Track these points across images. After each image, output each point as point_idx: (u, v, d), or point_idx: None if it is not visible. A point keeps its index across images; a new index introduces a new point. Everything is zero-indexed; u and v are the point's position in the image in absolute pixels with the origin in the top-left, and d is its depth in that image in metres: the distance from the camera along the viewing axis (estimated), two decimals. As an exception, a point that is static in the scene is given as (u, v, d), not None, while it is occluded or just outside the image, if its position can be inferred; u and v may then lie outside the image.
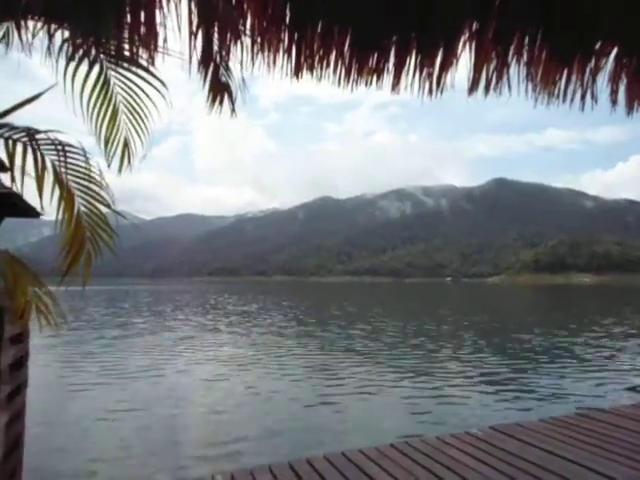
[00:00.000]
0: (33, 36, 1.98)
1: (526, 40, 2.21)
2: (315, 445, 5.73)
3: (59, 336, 14.72)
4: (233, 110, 2.37)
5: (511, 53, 2.24)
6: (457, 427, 5.93)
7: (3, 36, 1.96)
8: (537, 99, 2.36)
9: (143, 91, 2.39)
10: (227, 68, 2.29)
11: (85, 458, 5.49)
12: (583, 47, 2.26)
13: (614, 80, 2.36)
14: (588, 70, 2.30)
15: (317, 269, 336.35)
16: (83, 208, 2.19)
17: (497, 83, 2.29)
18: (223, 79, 2.31)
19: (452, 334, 17.31)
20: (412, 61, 2.29)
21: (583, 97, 2.34)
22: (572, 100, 2.34)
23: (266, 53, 2.20)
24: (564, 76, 2.30)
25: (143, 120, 2.44)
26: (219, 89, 2.31)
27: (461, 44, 2.23)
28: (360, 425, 6.83)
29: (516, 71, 2.28)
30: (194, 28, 2.18)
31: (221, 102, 2.35)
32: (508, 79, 2.28)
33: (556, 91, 2.35)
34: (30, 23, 1.91)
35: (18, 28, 1.89)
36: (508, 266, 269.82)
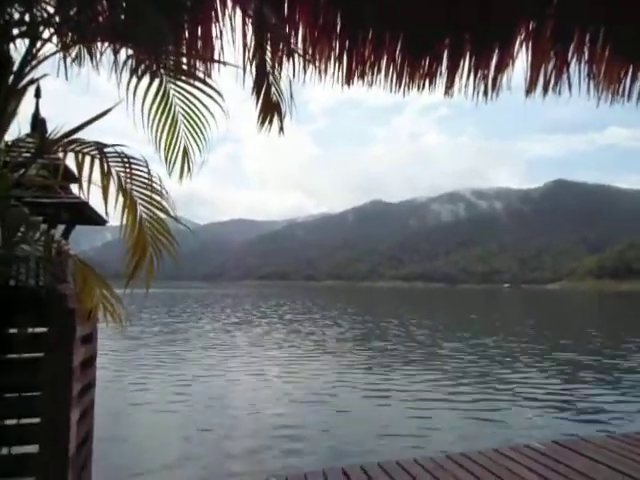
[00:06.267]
0: (101, 54, 2.12)
1: (587, 37, 2.12)
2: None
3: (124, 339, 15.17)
4: (281, 129, 2.45)
5: (571, 51, 2.15)
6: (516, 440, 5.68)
7: (76, 56, 2.11)
8: (600, 98, 2.26)
9: (200, 101, 2.49)
10: (278, 85, 2.36)
11: (150, 455, 5.73)
12: (651, 42, 2.15)
13: (686, 75, 2.22)
14: (657, 66, 2.18)
15: (368, 274, 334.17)
16: (145, 215, 2.30)
17: (556, 83, 2.21)
18: (274, 98, 2.38)
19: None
20: (466, 63, 2.25)
21: (651, 94, 2.22)
22: (639, 98, 2.23)
23: (317, 62, 2.24)
24: (629, 73, 2.19)
25: (201, 129, 2.53)
26: (270, 109, 2.39)
27: (517, 44, 2.17)
28: (419, 433, 6.68)
29: (576, 70, 2.20)
30: (248, 41, 2.26)
31: (271, 121, 2.43)
32: (568, 78, 2.19)
33: (621, 89, 2.24)
34: (98, 44, 2.06)
35: (89, 49, 2.04)
36: (569, 272, 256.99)
